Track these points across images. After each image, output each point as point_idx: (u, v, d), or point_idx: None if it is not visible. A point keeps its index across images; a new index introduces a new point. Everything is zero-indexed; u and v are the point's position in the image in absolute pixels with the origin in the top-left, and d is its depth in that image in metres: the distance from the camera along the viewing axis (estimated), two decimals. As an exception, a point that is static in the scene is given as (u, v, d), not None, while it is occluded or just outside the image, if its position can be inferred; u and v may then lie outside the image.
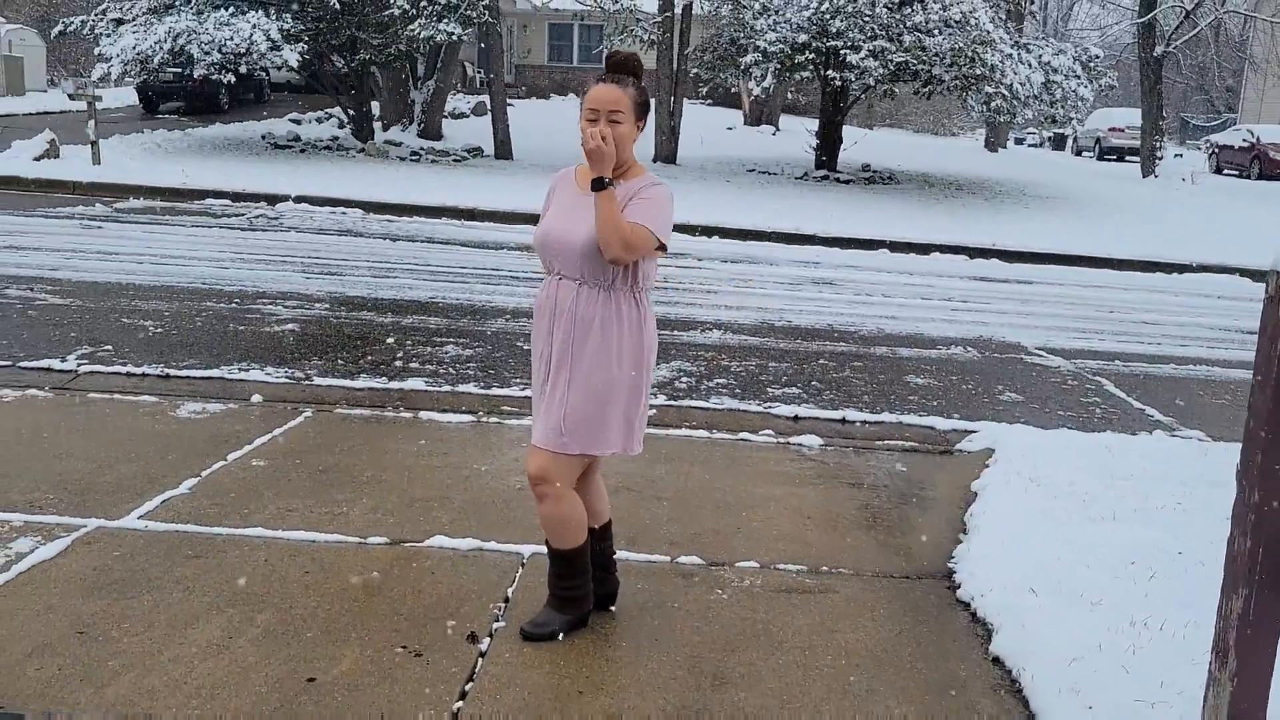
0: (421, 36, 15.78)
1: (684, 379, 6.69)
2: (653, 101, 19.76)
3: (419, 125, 20.20)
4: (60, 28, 17.33)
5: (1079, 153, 38.85)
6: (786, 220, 13.77)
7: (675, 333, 7.88)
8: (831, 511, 4.35)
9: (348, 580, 3.33)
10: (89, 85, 14.69)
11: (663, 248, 2.92)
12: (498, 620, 3.13)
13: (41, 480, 4.10)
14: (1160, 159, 23.58)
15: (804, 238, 13.23)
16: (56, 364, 6.10)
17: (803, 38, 15.75)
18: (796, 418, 6.08)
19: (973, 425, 6.04)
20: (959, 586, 3.50)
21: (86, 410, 5.20)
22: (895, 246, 13.23)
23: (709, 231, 13.17)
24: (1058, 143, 44.14)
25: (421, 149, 18.74)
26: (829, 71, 16.14)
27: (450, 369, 6.58)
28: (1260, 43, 33.48)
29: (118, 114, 23.57)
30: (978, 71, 14.79)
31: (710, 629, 3.17)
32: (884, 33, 15.21)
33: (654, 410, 5.96)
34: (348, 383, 6.16)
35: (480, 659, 2.90)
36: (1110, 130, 33.42)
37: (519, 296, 8.85)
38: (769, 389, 6.62)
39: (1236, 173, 29.85)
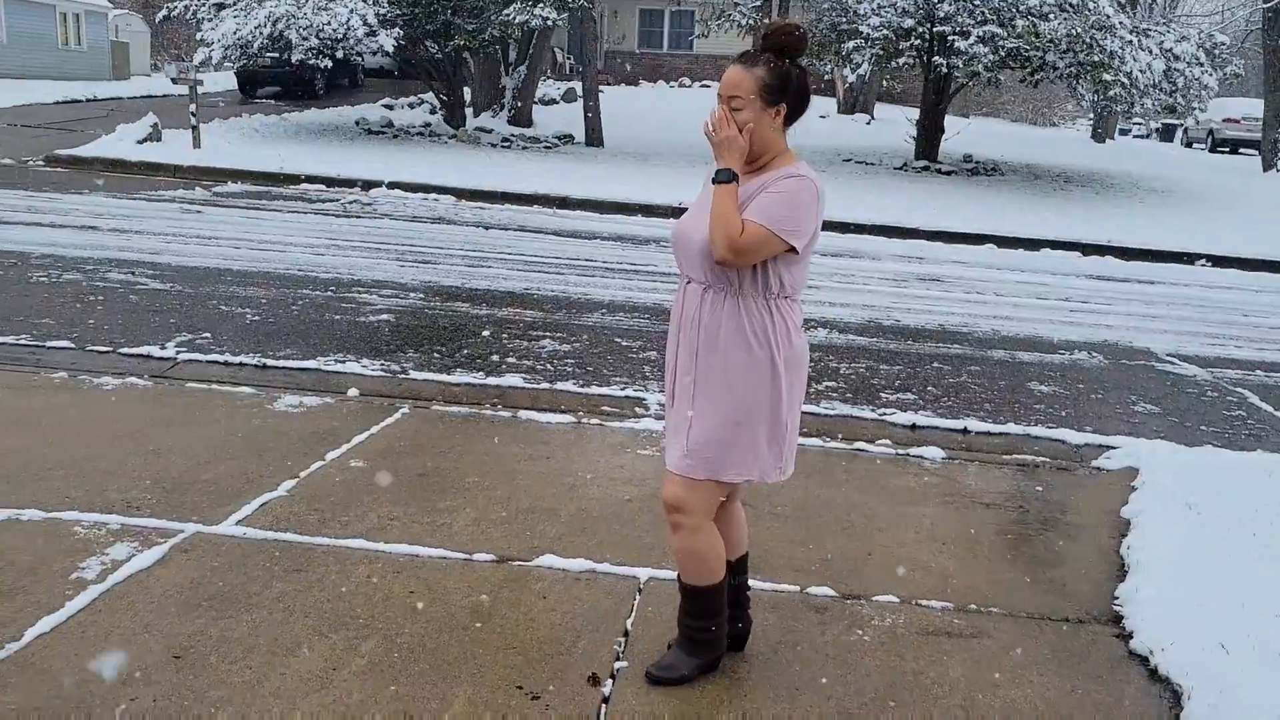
0: (516, 21, 15.61)
1: (792, 381, 6.35)
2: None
3: (510, 111, 20.09)
4: (164, 13, 17.60)
5: (1189, 145, 37.19)
6: (888, 213, 13.27)
7: (780, 331, 7.54)
8: (968, 536, 3.99)
9: (455, 604, 3.09)
10: (191, 70, 14.85)
11: (793, 250, 2.55)
12: (619, 659, 2.86)
13: (139, 478, 3.96)
14: (1283, 152, 22.34)
15: (906, 231, 12.72)
16: (156, 351, 6.03)
17: (908, 22, 15.18)
18: (914, 426, 5.72)
19: (1109, 440, 5.61)
20: (1131, 636, 3.12)
21: (184, 401, 5.08)
22: (1003, 241, 12.65)
23: (807, 223, 12.73)
24: (1165, 134, 42.38)
25: (512, 135, 18.62)
26: (935, 58, 15.53)
27: (548, 365, 6.35)
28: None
29: (217, 98, 23.97)
30: (1095, 58, 14.06)
31: (855, 677, 2.86)
32: (995, 17, 14.56)
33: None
34: (444, 377, 5.97)
35: (604, 705, 2.64)
36: (1225, 121, 31.87)
37: (614, 289, 8.59)
38: (882, 394, 6.25)
39: (1363, 167, 28.17)
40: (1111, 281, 10.87)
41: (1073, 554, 3.87)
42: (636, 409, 5.60)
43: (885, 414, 5.84)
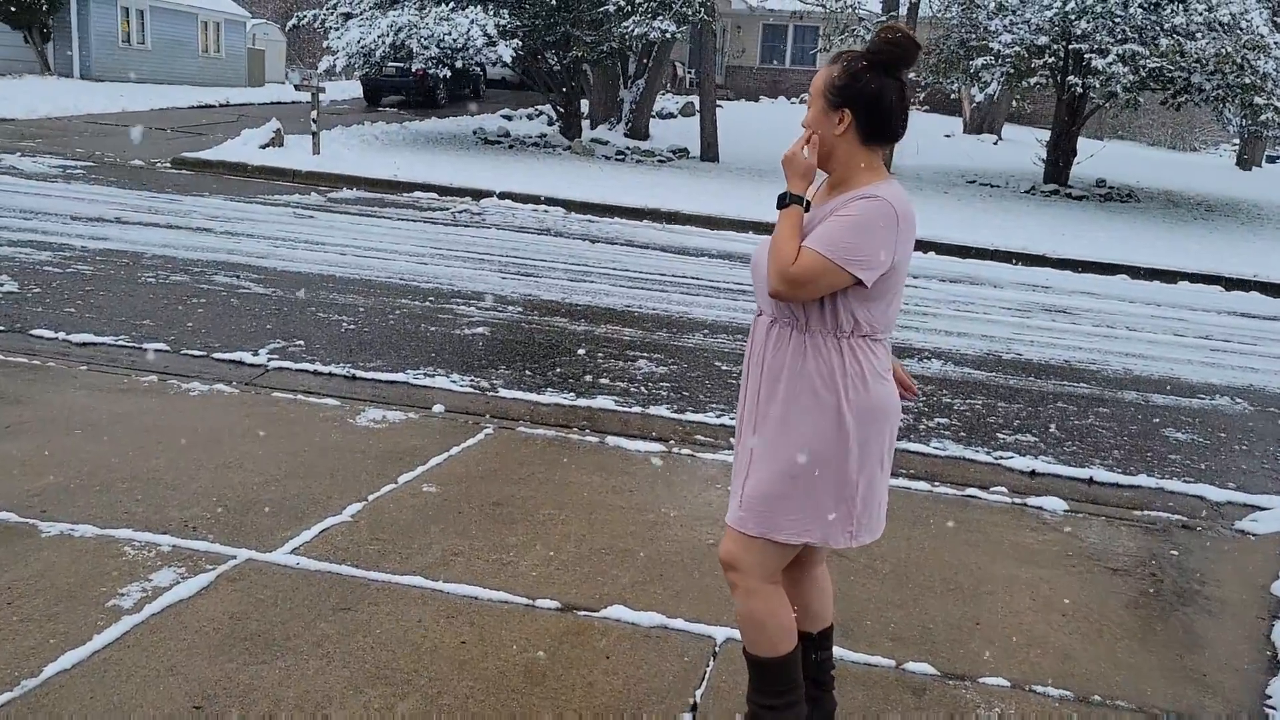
0: (635, 34, 15.47)
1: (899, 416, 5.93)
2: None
3: (626, 124, 19.99)
4: (294, 21, 18.06)
5: (1344, 173, 34.90)
6: (1012, 238, 12.63)
7: (890, 360, 7.11)
8: (1091, 608, 3.55)
9: (509, 659, 2.83)
10: (313, 77, 15.14)
11: (860, 283, 2.20)
12: (682, 737, 2.55)
13: (204, 495, 3.83)
14: None
15: (1032, 258, 12.07)
16: (248, 357, 5.98)
17: (1042, 40, 14.48)
18: (1033, 473, 5.25)
19: (1255, 499, 5.05)
20: (1288, 750, 2.67)
21: (268, 412, 4.98)
22: (1136, 272, 11.89)
23: (925, 247, 12.22)
24: (1318, 161, 39.85)
25: (627, 148, 18.49)
26: (1069, 77, 14.77)
27: (642, 388, 6.08)
28: None
29: (342, 106, 24.56)
30: (1246, 80, 13.14)
31: (953, 780, 2.49)
32: (1137, 35, 13.76)
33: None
34: (533, 396, 5.76)
35: (659, 795, 2.34)
36: (1386, 150, 29.77)
37: (718, 309, 8.29)
38: (999, 434, 5.79)
39: None
40: (1257, 319, 10.06)
41: (1214, 636, 3.40)
42: (731, 439, 5.27)
43: (1001, 457, 5.39)
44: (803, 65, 32.93)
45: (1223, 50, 13.25)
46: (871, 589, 3.56)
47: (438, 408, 5.37)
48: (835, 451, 2.29)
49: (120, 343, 6.07)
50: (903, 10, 16.81)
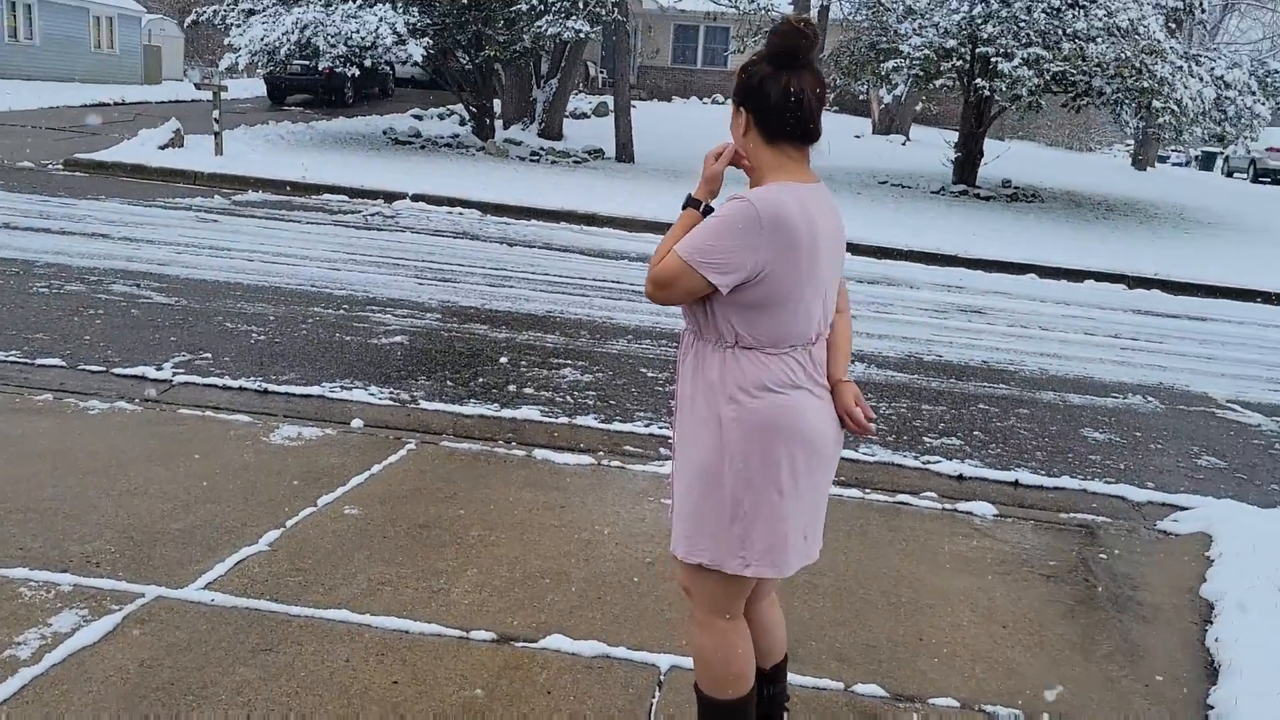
0: (548, 34, 15.29)
1: (827, 421, 5.90)
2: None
3: (540, 125, 19.78)
4: (193, 17, 17.41)
5: (1229, 174, 36.46)
6: (925, 238, 12.81)
7: (814, 364, 7.10)
8: (1031, 619, 3.54)
9: (444, 700, 2.67)
10: (215, 75, 14.61)
11: (715, 289, 2.10)
12: (630, 780, 2.44)
13: (107, 526, 3.58)
14: (1332, 184, 21.66)
15: (945, 258, 12.25)
16: (151, 372, 5.67)
17: (950, 43, 14.73)
18: (961, 477, 5.27)
19: (1174, 498, 5.14)
20: (1236, 763, 2.68)
21: (174, 431, 4.71)
22: (1045, 271, 12.15)
23: (842, 247, 12.30)
24: (1205, 162, 41.62)
25: (541, 149, 18.29)
26: (976, 80, 15.06)
27: (567, 397, 5.94)
28: None
29: (245, 105, 23.82)
30: (1145, 84, 13.55)
31: (911, 810, 2.43)
32: (1040, 39, 14.08)
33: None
34: (456, 408, 5.58)
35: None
36: (1268, 150, 31.15)
37: (641, 314, 8.19)
38: (925, 438, 5.80)
39: None
40: (1161, 317, 10.36)
41: (1153, 644, 3.41)
42: (661, 449, 5.19)
43: (930, 462, 5.40)
44: (714, 66, 33.10)
45: (1122, 55, 13.64)
46: (815, 606, 3.49)
47: (357, 422, 5.17)
48: (716, 468, 2.17)
49: (10, 358, 5.71)
50: (813, 13, 16.96)
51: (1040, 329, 9.11)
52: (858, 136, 26.19)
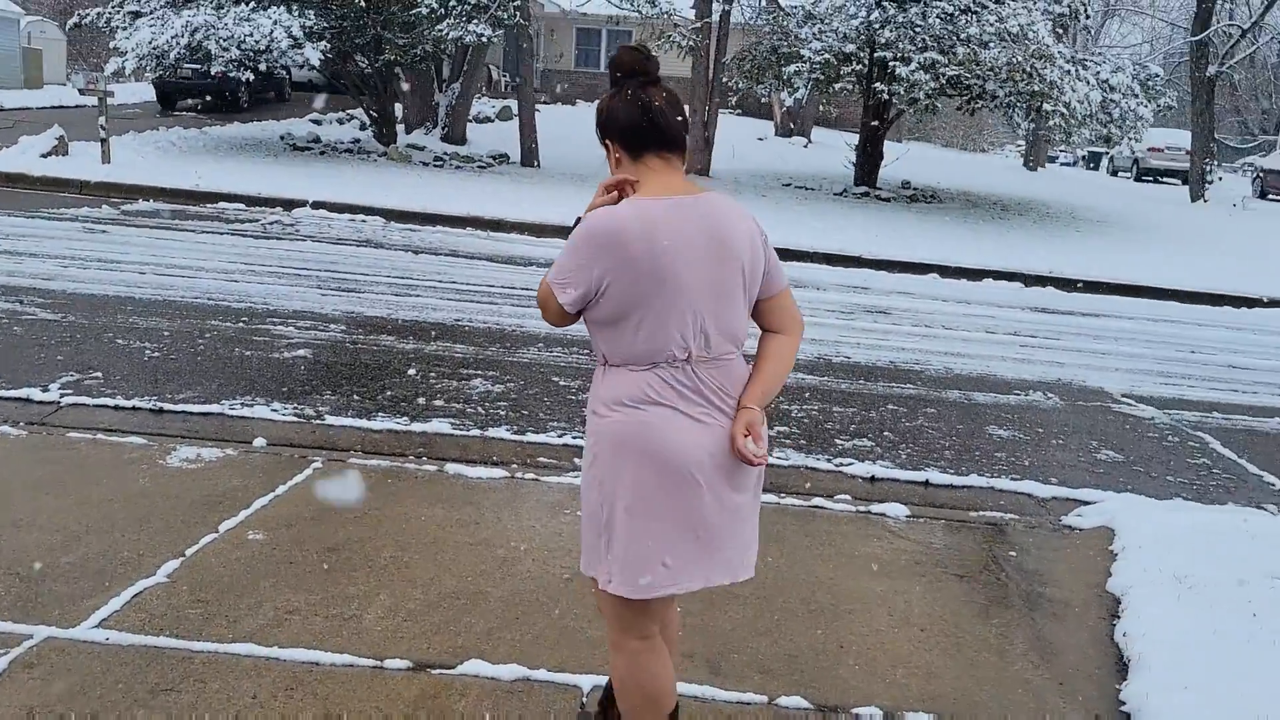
0: (449, 37, 15.09)
1: (741, 426, 5.92)
2: (686, 111, 19.02)
3: (443, 129, 19.52)
4: (75, 20, 16.72)
5: (1114, 173, 37.93)
6: (830, 240, 12.99)
7: (726, 369, 7.11)
8: (948, 620, 3.58)
9: (360, 732, 2.58)
10: (100, 80, 14.04)
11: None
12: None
13: (-10, 560, 3.37)
14: (1211, 182, 22.70)
15: (850, 259, 12.44)
16: (36, 394, 5.40)
17: (850, 48, 14.98)
18: (873, 478, 5.33)
19: (1077, 493, 5.29)
20: (1150, 756, 2.73)
21: (63, 456, 4.48)
22: (946, 271, 12.43)
23: (749, 250, 12.39)
24: (1092, 161, 43.23)
25: (445, 154, 18.05)
26: (875, 83, 15.35)
27: (479, 408, 5.84)
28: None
29: (134, 110, 22.97)
30: (1035, 88, 13.98)
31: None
32: (936, 44, 14.42)
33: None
34: (364, 423, 5.44)
35: None
36: (1150, 150, 32.48)
37: (552, 321, 8.11)
38: (837, 440, 5.86)
39: (1283, 198, 28.88)
40: (1057, 314, 10.68)
41: (1065, 641, 3.48)
42: (575, 459, 5.13)
43: (842, 464, 5.45)
44: (618, 69, 33.15)
45: (1014, 59, 14.05)
46: (736, 617, 3.47)
47: (259, 441, 4.99)
48: (585, 481, 2.25)
49: (-119, 383, 5.37)
50: (715, 17, 17.09)
51: (944, 328, 9.30)
52: (761, 139, 26.50)
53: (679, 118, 2.18)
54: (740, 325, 2.19)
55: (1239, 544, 4.37)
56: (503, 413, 5.79)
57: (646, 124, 2.15)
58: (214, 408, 5.44)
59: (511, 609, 3.36)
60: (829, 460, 5.50)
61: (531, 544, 3.97)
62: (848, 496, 5.00)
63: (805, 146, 26.06)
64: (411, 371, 6.41)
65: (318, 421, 5.40)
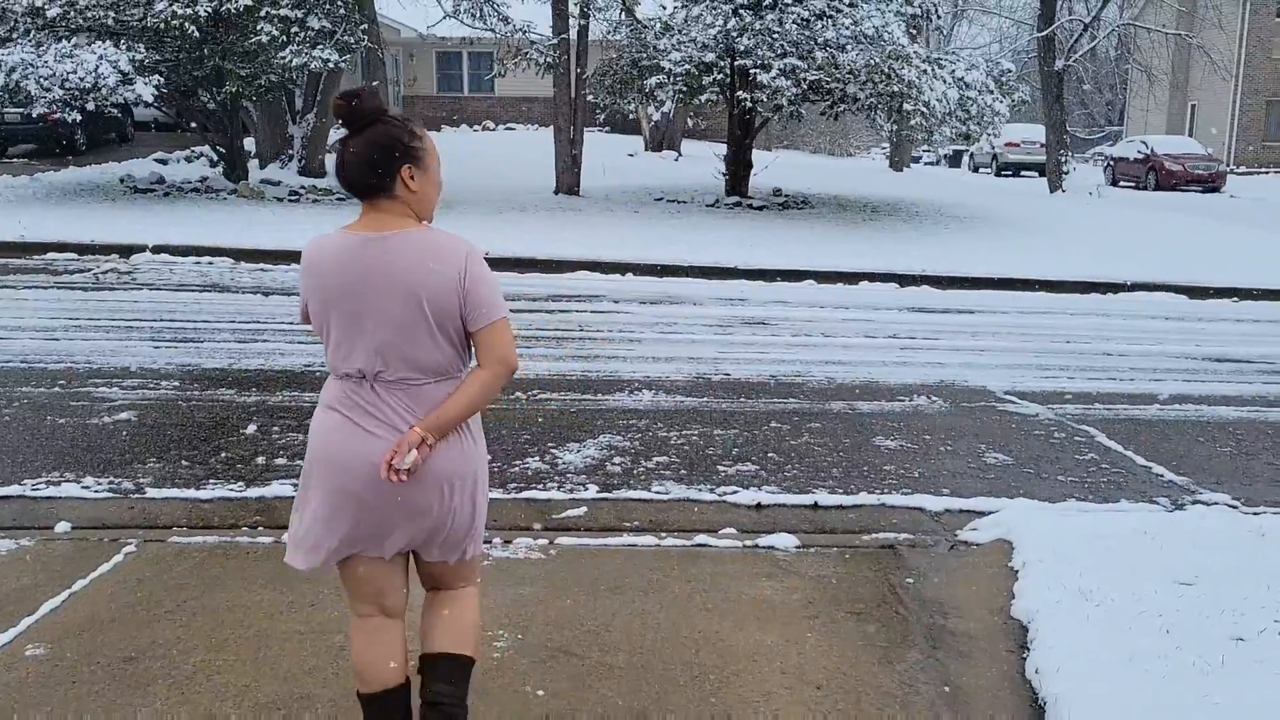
0: (294, 65, 14.35)
1: (617, 459, 5.51)
2: (552, 130, 18.64)
3: (300, 162, 18.64)
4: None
5: (976, 169, 39.05)
6: (704, 253, 12.72)
7: (600, 397, 6.70)
8: (846, 673, 3.20)
9: None
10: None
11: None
12: None
13: None
14: (1067, 173, 23.38)
15: (725, 271, 12.19)
16: None
17: (709, 57, 14.80)
18: (760, 505, 4.98)
19: (969, 503, 5.03)
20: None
21: None
22: (821, 277, 12.28)
23: (622, 269, 12.04)
24: (954, 160, 44.46)
25: (302, 188, 17.21)
26: (739, 92, 15.21)
27: (327, 464, 5.27)
28: (1151, 54, 34.07)
29: (-40, 159, 21.38)
30: (895, 89, 14.02)
31: None
32: (794, 50, 14.35)
33: (584, 508, 4.79)
34: (192, 493, 4.84)
35: None
36: (1007, 145, 33.51)
37: (412, 358, 7.55)
38: (720, 466, 5.49)
39: (1133, 184, 30.10)
40: (933, 314, 10.60)
41: (974, 684, 3.14)
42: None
43: (726, 494, 5.08)
44: (480, 92, 32.58)
45: (872, 61, 14.07)
46: (606, 694, 3.03)
47: (63, 526, 4.34)
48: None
49: None
50: (572, 34, 16.74)
51: (823, 335, 9.07)
52: (631, 155, 26.28)
53: (369, 166, 2.32)
54: (426, 355, 2.32)
55: (1138, 547, 4.15)
56: (353, 467, 5.23)
57: (339, 174, 2.38)
58: (13, 489, 4.76)
59: (344, 713, 2.85)
60: (712, 490, 5.13)
61: (375, 625, 3.45)
62: (733, 529, 4.63)
63: (676, 160, 25.93)
64: (251, 429, 5.79)
65: (137, 496, 4.77)
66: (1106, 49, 40.74)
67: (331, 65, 14.81)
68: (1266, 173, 36.65)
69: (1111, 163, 32.05)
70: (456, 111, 32.48)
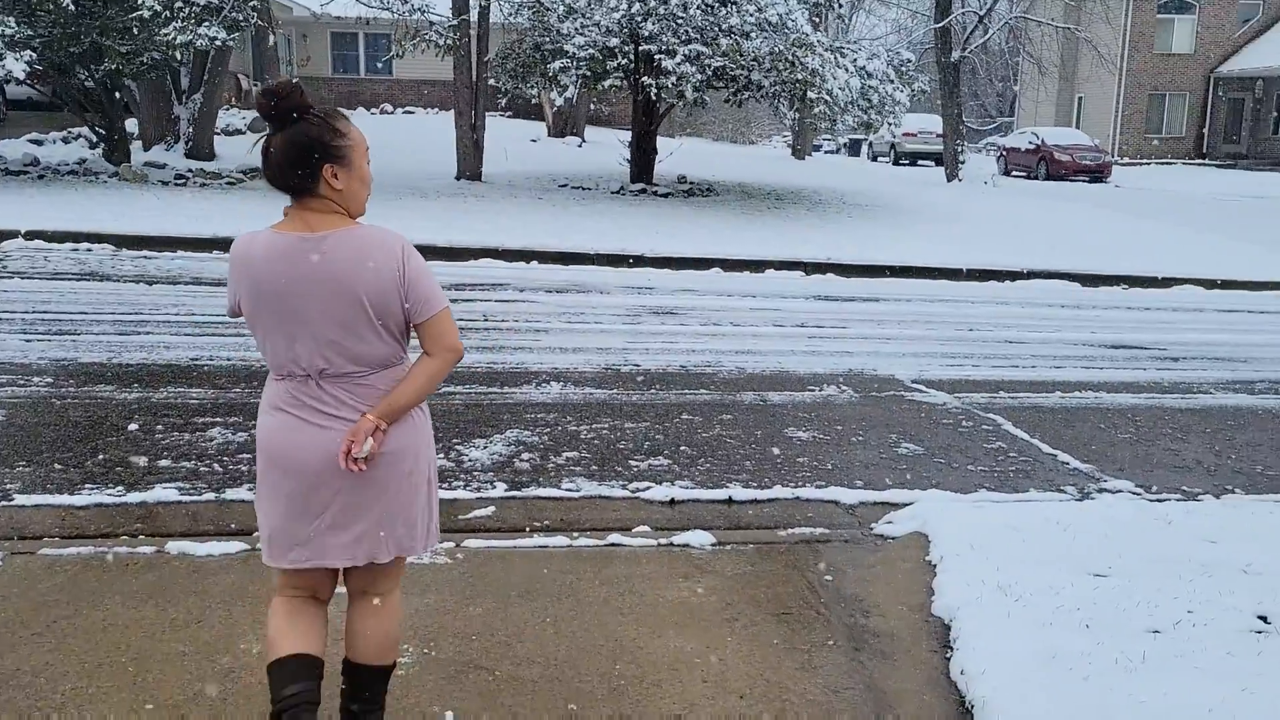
0: (178, 42, 13.65)
1: (525, 455, 5.32)
2: (453, 115, 18.22)
3: (186, 144, 17.85)
4: None
5: (874, 158, 39.69)
6: (611, 240, 12.56)
7: (506, 390, 6.48)
8: (769, 680, 3.09)
9: None
10: None
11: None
12: None
13: None
14: (963, 163, 23.87)
15: (632, 259, 12.05)
16: None
17: (614, 42, 14.61)
18: (674, 501, 4.86)
19: (883, 495, 4.99)
20: None
21: None
22: (728, 265, 12.25)
23: (527, 256, 11.81)
24: (853, 148, 45.12)
25: (190, 171, 16.49)
26: (644, 78, 15.06)
27: (216, 464, 4.97)
28: (1042, 46, 35.05)
29: None
30: (799, 76, 14.05)
31: None
32: (699, 36, 14.26)
33: (491, 507, 4.60)
34: (66, 499, 4.49)
35: None
36: (905, 135, 34.11)
37: (308, 351, 7.22)
38: (631, 460, 5.34)
39: (1024, 174, 30.97)
40: (839, 302, 10.64)
41: (899, 688, 3.05)
42: (332, 517, 4.36)
43: (639, 489, 4.94)
44: (378, 74, 31.76)
45: (776, 48, 14.07)
46: (518, 710, 2.85)
47: (-86, 543, 3.96)
48: None
49: None
50: (473, 15, 16.34)
51: (732, 324, 9.00)
52: (534, 140, 25.95)
53: (289, 165, 2.28)
54: (369, 349, 2.36)
55: (1051, 539, 4.15)
56: (245, 468, 4.94)
57: (264, 171, 2.34)
58: None
59: (232, 745, 2.62)
60: (624, 486, 4.98)
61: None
62: (647, 527, 4.49)
63: (580, 146, 25.70)
64: (133, 426, 5.43)
65: (3, 504, 4.40)
66: (999, 41, 41.79)
67: (218, 43, 14.16)
68: (1148, 163, 38.14)
69: (1004, 153, 32.91)
70: (353, 94, 31.59)
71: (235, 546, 4.02)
